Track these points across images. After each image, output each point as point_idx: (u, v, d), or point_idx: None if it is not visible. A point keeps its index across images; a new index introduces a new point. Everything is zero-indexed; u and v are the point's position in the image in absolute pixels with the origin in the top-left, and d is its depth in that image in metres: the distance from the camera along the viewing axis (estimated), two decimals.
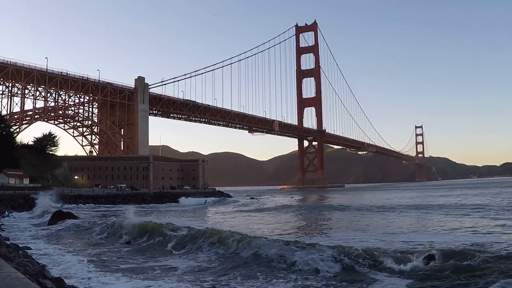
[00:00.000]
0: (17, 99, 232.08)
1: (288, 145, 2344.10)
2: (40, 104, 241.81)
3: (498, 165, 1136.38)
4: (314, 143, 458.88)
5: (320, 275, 28.26)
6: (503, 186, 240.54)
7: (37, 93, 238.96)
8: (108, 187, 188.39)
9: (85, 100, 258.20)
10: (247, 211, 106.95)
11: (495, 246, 36.30)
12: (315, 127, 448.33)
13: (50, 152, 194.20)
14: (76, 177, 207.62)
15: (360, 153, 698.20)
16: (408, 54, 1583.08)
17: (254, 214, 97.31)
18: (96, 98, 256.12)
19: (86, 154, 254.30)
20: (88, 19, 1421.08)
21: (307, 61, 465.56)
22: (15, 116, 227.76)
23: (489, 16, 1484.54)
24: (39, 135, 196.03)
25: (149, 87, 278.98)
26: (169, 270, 30.87)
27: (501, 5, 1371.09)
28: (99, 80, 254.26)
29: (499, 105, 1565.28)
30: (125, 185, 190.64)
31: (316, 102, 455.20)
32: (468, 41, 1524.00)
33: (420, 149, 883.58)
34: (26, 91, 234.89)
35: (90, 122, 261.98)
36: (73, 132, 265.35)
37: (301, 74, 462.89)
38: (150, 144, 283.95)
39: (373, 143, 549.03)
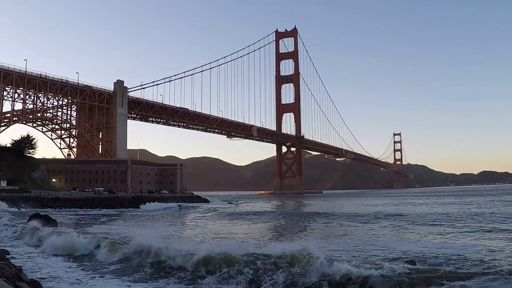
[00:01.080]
0: None
1: (266, 150, 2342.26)
2: (18, 106, 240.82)
3: (476, 173, 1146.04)
4: (293, 149, 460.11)
5: None
6: (481, 195, 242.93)
7: (16, 95, 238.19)
8: (86, 190, 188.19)
9: (64, 102, 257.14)
10: (211, 218, 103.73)
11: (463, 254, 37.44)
12: (293, 133, 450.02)
13: (28, 155, 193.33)
14: (53, 180, 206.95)
15: (338, 159, 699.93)
16: (387, 64, 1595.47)
17: (220, 221, 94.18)
18: (75, 101, 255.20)
19: (64, 157, 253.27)
20: (60, 23, 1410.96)
21: (287, 67, 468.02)
22: None
23: (465, 31, 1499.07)
24: (17, 137, 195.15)
25: (128, 90, 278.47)
26: None
27: (474, 22, 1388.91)
28: (78, 83, 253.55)
29: (477, 115, 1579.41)
30: (102, 188, 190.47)
31: (294, 108, 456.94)
32: (446, 54, 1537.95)
33: (398, 156, 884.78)
34: (5, 93, 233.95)
35: (68, 125, 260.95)
36: (51, 135, 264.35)
37: (280, 80, 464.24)
38: (128, 147, 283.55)
39: (351, 150, 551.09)
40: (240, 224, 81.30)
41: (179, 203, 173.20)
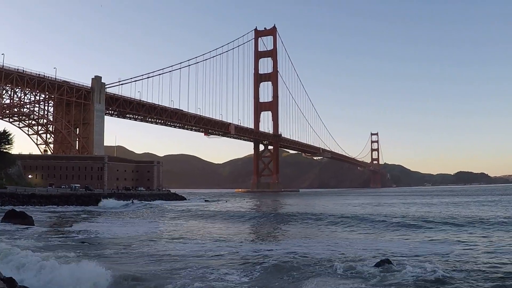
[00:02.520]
0: None
1: (244, 148, 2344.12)
2: None
3: (452, 173, 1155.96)
4: (270, 147, 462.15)
5: None
6: (454, 195, 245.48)
7: None
8: (62, 187, 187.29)
9: (41, 98, 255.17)
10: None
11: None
12: (271, 131, 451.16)
13: (4, 150, 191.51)
14: (30, 176, 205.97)
15: (315, 158, 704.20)
16: (365, 64, 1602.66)
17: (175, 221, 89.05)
18: (52, 96, 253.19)
19: (40, 153, 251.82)
20: (37, 19, 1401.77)
21: (265, 66, 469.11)
22: None
23: (444, 30, 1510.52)
24: None
25: (106, 86, 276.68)
26: None
27: (455, 21, 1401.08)
28: (55, 78, 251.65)
29: (454, 116, 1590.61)
30: (79, 185, 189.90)
31: (272, 106, 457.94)
32: (426, 54, 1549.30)
33: (375, 156, 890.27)
34: None
35: (45, 121, 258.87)
36: (28, 131, 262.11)
37: (258, 78, 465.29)
38: (105, 144, 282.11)
39: (328, 149, 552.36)
40: (211, 225, 79.07)
41: (132, 199, 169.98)
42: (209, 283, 28.16)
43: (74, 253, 37.25)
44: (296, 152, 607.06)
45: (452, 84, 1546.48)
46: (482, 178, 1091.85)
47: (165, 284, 27.25)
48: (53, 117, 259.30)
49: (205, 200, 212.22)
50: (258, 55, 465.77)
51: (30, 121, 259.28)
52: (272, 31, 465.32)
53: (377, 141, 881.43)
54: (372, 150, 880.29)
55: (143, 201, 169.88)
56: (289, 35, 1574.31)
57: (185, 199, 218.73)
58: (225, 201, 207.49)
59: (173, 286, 26.68)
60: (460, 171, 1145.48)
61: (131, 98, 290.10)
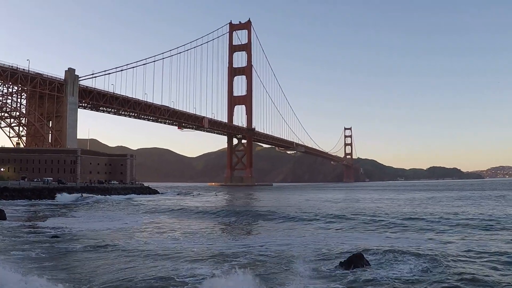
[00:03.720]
0: None
1: (217, 142, 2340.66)
2: None
3: (425, 168, 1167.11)
4: (244, 141, 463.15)
5: None
6: (424, 190, 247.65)
7: None
8: (35, 180, 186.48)
9: (14, 90, 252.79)
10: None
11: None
12: (245, 125, 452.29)
13: None
14: (2, 169, 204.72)
15: (289, 152, 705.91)
16: (339, 58, 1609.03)
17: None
18: (25, 88, 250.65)
19: (13, 146, 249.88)
20: (11, 12, 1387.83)
21: (240, 59, 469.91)
22: None
23: (420, 20, 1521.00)
24: None
25: (79, 79, 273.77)
26: None
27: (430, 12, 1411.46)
28: (28, 71, 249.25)
29: (427, 111, 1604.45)
30: (51, 178, 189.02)
31: (246, 100, 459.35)
32: (401, 46, 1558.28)
33: (348, 150, 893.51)
34: None
35: (18, 113, 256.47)
36: (0, 123, 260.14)
37: (233, 72, 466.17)
38: (78, 137, 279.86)
39: (302, 143, 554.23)
40: (182, 221, 77.33)
41: (81, 193, 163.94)
42: (179, 279, 28.61)
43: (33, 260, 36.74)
44: (269, 146, 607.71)
45: (426, 79, 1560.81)
46: (454, 173, 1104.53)
47: (136, 279, 27.71)
48: (26, 110, 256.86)
49: (178, 194, 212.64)
50: (233, 48, 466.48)
51: (2, 114, 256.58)
52: (247, 25, 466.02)
53: (350, 136, 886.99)
54: (346, 144, 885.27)
55: (98, 196, 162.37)
56: (264, 28, 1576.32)
57: (158, 192, 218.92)
58: (198, 193, 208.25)
59: (146, 282, 27.18)
60: (433, 166, 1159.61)
61: (104, 91, 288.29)
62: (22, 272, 26.76)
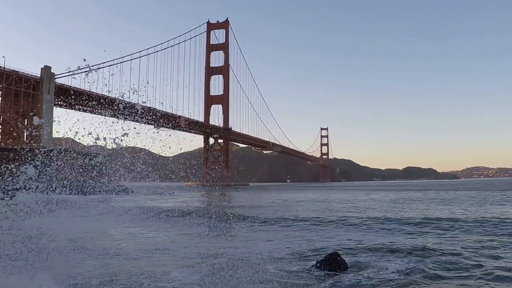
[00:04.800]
0: None
1: (194, 142, 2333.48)
2: None
3: (401, 169, 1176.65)
4: (220, 140, 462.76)
5: None
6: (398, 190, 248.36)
7: None
8: None
9: None
10: None
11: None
12: (221, 125, 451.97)
13: None
14: None
15: (265, 152, 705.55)
16: (316, 60, 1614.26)
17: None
18: (0, 86, 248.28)
19: None
20: None
21: (217, 59, 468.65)
22: None
23: (399, 23, 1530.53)
24: None
25: (56, 77, 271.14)
26: None
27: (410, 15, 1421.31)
28: (4, 68, 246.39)
29: (402, 112, 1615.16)
30: None
31: (223, 99, 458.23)
32: (376, 48, 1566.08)
33: (325, 150, 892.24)
34: None
35: None
36: None
37: (210, 71, 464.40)
38: (54, 136, 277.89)
39: (278, 143, 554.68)
40: (157, 223, 74.74)
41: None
42: (155, 284, 27.56)
43: None
44: (246, 146, 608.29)
45: (401, 80, 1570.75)
46: (430, 173, 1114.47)
47: (109, 285, 26.91)
48: (1, 108, 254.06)
49: (153, 193, 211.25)
50: (210, 48, 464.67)
51: None
52: (225, 24, 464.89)
53: (326, 136, 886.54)
54: (322, 144, 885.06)
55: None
56: (242, 28, 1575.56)
57: (132, 192, 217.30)
58: (173, 193, 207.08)
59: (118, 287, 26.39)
60: (409, 166, 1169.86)
61: (80, 89, 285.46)
62: None
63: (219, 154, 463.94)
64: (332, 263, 30.51)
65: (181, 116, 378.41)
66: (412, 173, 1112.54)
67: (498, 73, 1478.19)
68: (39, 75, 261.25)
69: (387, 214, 77.14)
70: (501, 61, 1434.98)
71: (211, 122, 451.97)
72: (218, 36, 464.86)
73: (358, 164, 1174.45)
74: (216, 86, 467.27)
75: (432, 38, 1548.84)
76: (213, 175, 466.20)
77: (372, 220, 67.90)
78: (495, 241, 43.81)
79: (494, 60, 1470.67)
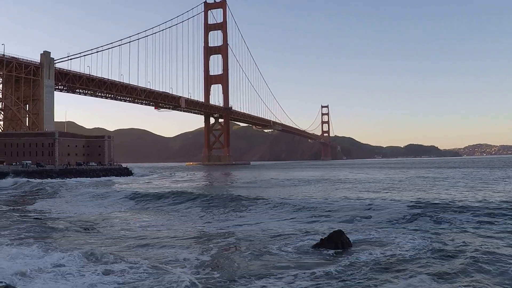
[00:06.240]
0: None
1: (194, 122, 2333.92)
2: None
3: (402, 146, 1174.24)
4: (221, 120, 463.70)
5: None
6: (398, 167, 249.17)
7: None
8: (13, 164, 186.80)
9: None
10: None
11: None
12: (221, 104, 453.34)
13: None
14: None
15: (266, 131, 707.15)
16: (317, 41, 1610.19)
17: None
18: (1, 73, 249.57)
19: None
20: None
21: (215, 38, 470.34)
22: None
23: (396, 5, 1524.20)
24: None
25: (55, 62, 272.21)
26: None
27: None
28: (4, 55, 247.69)
29: (404, 90, 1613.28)
30: (30, 161, 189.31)
31: (223, 79, 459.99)
32: (377, 28, 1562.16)
33: (325, 128, 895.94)
34: None
35: None
36: None
37: (208, 51, 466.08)
38: (55, 120, 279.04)
39: (279, 122, 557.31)
40: (161, 204, 73.11)
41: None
42: (166, 263, 28.60)
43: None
44: (247, 125, 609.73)
45: (402, 59, 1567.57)
46: (432, 151, 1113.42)
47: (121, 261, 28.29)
48: (2, 94, 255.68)
49: (152, 173, 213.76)
50: (208, 28, 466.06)
51: None
52: (222, 4, 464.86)
53: (327, 114, 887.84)
54: (323, 122, 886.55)
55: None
56: (240, 8, 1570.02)
57: (133, 174, 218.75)
58: (173, 173, 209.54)
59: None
60: (411, 144, 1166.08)
61: (80, 73, 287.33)
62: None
63: (220, 134, 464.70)
64: (337, 240, 31.72)
65: (181, 96, 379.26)
66: (413, 150, 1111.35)
67: (503, 52, 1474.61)
68: (39, 61, 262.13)
69: (391, 191, 78.42)
70: (506, 40, 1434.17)
71: (211, 102, 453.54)
72: (216, 16, 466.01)
73: (360, 142, 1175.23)
74: (216, 65, 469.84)
75: (433, 18, 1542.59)
76: (214, 155, 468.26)
77: (378, 199, 68.07)
78: None
79: (498, 39, 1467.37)
